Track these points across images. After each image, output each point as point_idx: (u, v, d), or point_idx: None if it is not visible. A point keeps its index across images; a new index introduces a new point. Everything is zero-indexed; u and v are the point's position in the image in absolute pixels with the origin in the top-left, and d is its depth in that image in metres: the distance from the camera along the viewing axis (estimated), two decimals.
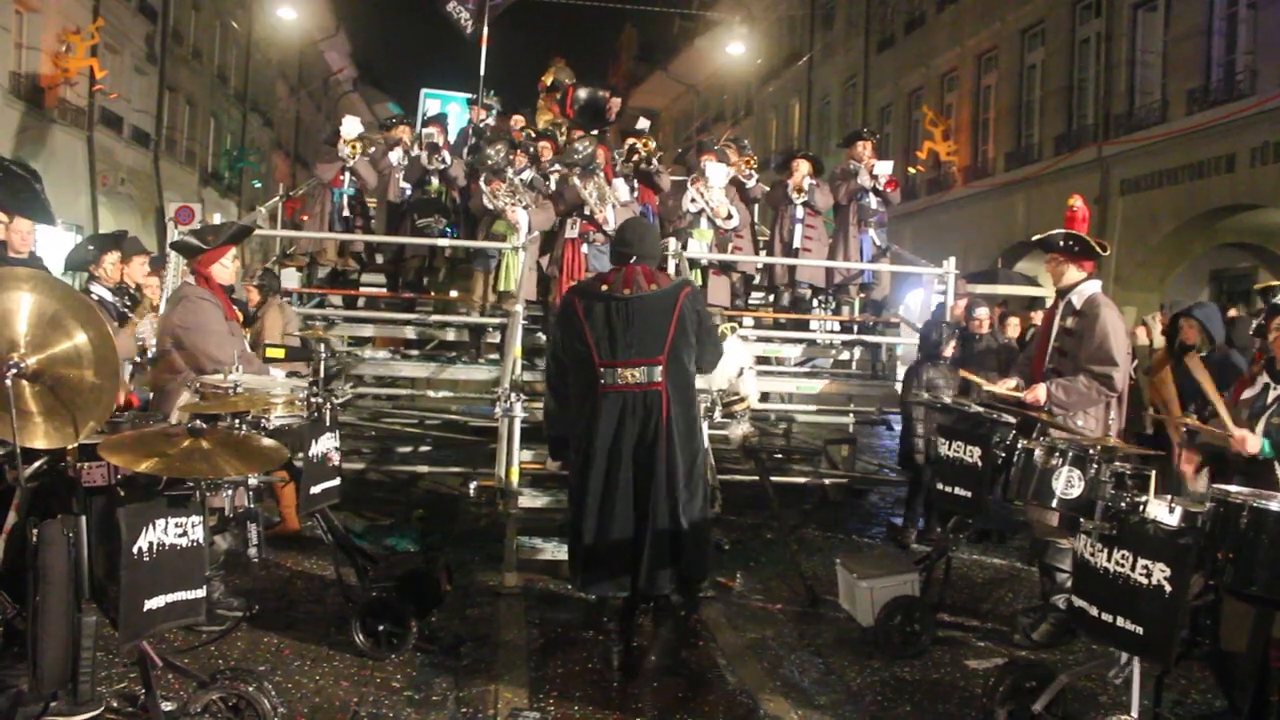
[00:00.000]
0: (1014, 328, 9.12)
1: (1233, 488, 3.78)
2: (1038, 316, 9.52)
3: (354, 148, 9.77)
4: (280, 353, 6.06)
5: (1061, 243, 5.81)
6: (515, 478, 6.79)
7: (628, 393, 4.92)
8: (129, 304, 6.94)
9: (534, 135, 11.68)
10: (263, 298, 8.36)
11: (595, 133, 10.77)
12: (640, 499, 4.91)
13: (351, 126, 9.94)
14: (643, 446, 4.91)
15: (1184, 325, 7.64)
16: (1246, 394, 4.83)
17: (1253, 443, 4.55)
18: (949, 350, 8.11)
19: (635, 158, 10.16)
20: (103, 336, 3.29)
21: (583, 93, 11.88)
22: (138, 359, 6.72)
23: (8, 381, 3.14)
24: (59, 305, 3.28)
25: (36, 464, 3.37)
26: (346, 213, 9.90)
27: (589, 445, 4.95)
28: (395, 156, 10.15)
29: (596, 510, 4.91)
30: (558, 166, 9.98)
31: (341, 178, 9.82)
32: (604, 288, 5.05)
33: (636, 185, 9.94)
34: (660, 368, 4.92)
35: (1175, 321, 7.82)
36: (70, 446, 3.37)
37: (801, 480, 9.14)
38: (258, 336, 7.83)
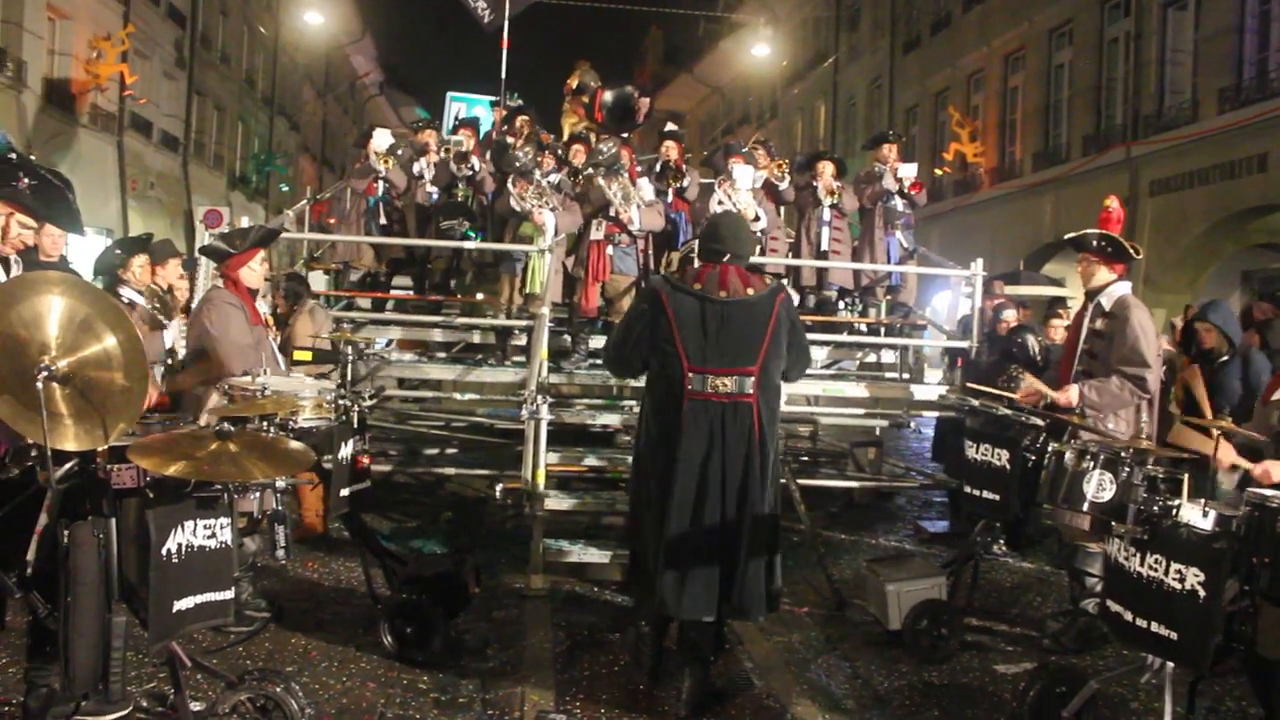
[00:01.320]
0: (1058, 330, 8.86)
1: (1269, 491, 3.73)
2: (1059, 323, 9.38)
3: (386, 161, 9.84)
4: (307, 355, 6.08)
5: (1095, 243, 5.75)
6: (542, 480, 6.79)
7: (717, 403, 4.56)
8: (158, 306, 6.99)
9: (547, 134, 11.67)
10: (289, 305, 8.37)
11: (624, 135, 10.72)
12: (731, 518, 4.55)
13: (383, 139, 9.98)
14: (734, 461, 4.56)
15: (1200, 330, 7.12)
16: (1278, 394, 4.76)
17: (1277, 472, 4.43)
18: (1039, 357, 7.96)
19: (668, 176, 10.03)
20: (132, 340, 3.31)
21: (609, 95, 11.80)
22: (168, 361, 6.77)
23: (39, 384, 3.17)
24: (89, 309, 3.30)
25: (67, 466, 3.39)
26: (383, 220, 9.96)
27: (672, 455, 4.57)
28: (420, 166, 10.18)
29: (685, 526, 4.53)
30: (591, 170, 9.96)
31: (375, 185, 9.90)
32: (697, 286, 4.67)
33: (671, 195, 9.88)
34: (753, 379, 4.57)
35: (1190, 326, 7.33)
36: (100, 449, 3.39)
37: (828, 483, 9.10)
38: (287, 343, 7.87)
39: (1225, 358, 6.98)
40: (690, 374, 4.57)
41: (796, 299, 10.60)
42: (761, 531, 4.59)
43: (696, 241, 8.84)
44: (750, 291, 4.66)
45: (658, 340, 4.66)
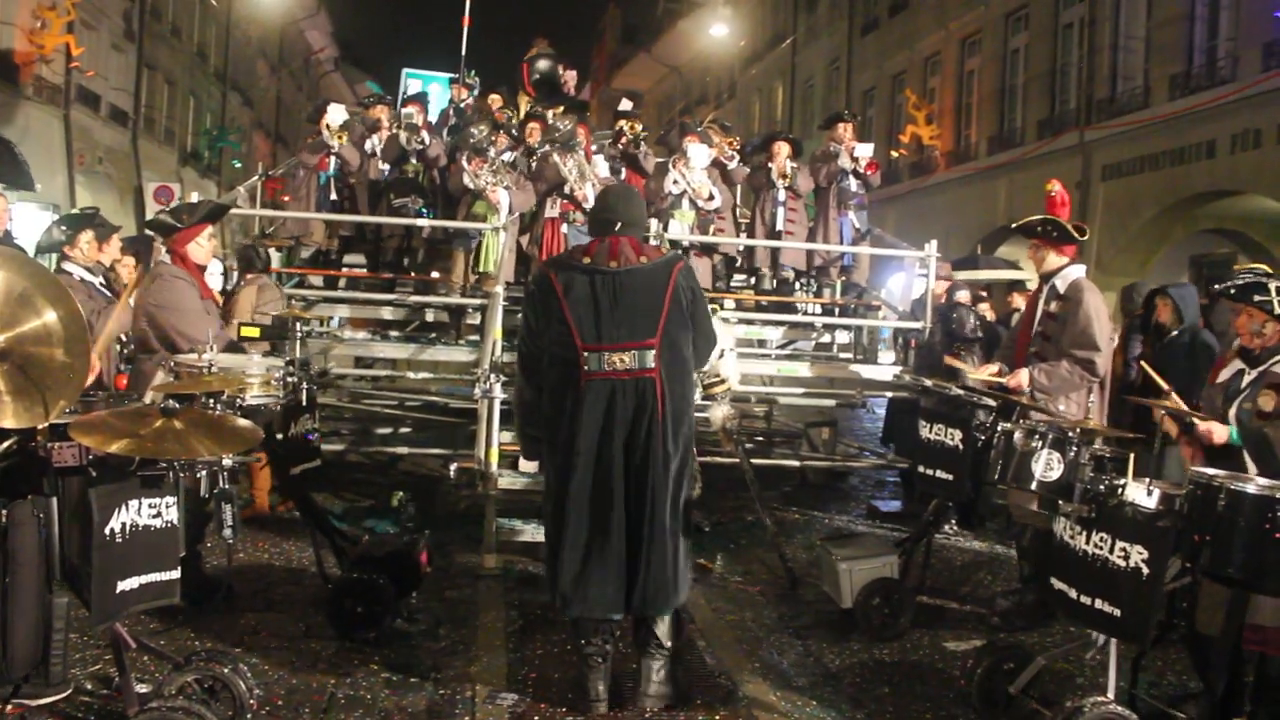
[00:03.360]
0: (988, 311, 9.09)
1: (1211, 470, 3.79)
2: (1017, 300, 9.52)
3: (340, 137, 9.70)
4: (255, 331, 6.00)
5: (1039, 228, 5.82)
6: (495, 459, 6.76)
7: (616, 380, 4.27)
8: (103, 284, 6.86)
9: (512, 114, 11.61)
10: (241, 269, 8.30)
11: (570, 109, 10.68)
12: (633, 505, 4.29)
13: (337, 114, 9.85)
14: (635, 443, 4.28)
15: (1158, 303, 7.33)
16: (1223, 376, 4.86)
17: (1219, 433, 4.54)
18: (979, 332, 8.10)
19: (623, 141, 10.06)
20: (73, 315, 3.24)
21: (542, 64, 11.84)
22: (122, 338, 6.66)
23: None
24: (28, 283, 3.22)
25: (5, 444, 3.32)
26: (334, 196, 9.83)
27: (571, 442, 4.29)
28: (372, 142, 10.05)
29: (584, 517, 4.27)
30: (547, 147, 9.93)
31: (327, 161, 9.75)
32: (586, 260, 4.40)
33: (624, 170, 9.86)
34: (653, 352, 4.28)
35: (1151, 299, 7.50)
36: (40, 426, 3.32)
37: (782, 463, 9.14)
38: (229, 314, 7.77)
39: (1174, 334, 7.10)
40: (586, 353, 4.29)
41: (751, 280, 10.64)
42: (666, 519, 4.31)
43: (654, 221, 8.87)
44: (643, 260, 4.41)
45: (550, 322, 4.39)
